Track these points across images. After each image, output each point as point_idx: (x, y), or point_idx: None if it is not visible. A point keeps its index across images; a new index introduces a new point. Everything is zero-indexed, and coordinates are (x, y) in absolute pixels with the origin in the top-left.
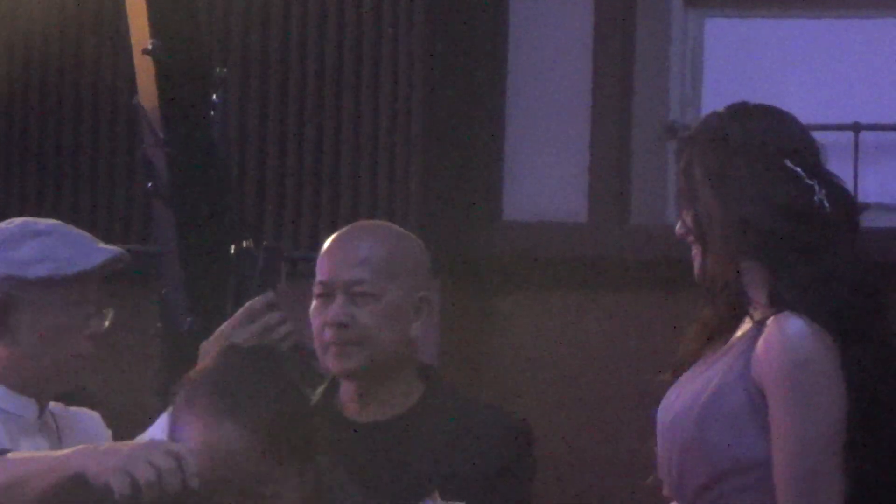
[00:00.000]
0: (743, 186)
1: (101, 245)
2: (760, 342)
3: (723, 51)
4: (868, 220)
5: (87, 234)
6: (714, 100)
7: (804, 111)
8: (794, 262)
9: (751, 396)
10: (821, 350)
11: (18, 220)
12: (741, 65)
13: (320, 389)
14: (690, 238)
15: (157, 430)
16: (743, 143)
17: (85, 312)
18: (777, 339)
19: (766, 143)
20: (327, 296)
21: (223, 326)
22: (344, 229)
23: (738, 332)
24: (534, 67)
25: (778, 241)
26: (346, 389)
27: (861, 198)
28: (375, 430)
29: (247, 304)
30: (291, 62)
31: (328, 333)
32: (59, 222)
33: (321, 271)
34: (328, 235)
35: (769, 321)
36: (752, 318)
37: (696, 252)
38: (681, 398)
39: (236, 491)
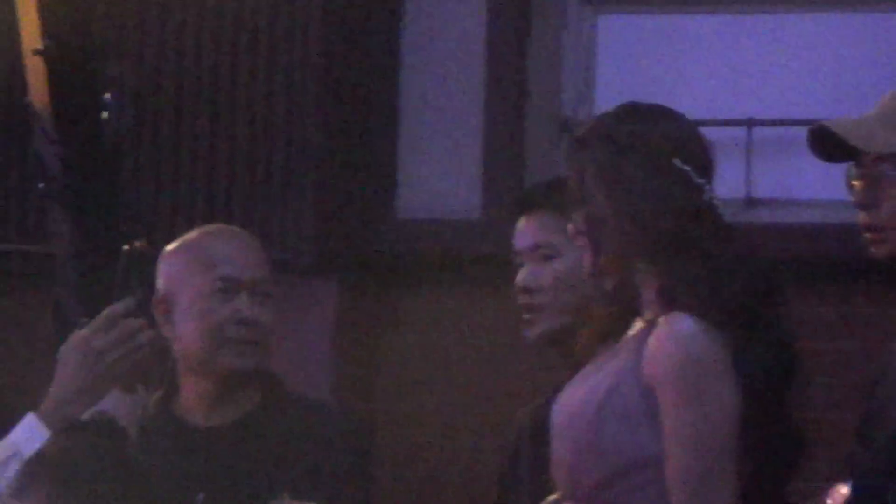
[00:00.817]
0: (634, 186)
1: None
2: (651, 341)
3: (617, 47)
4: (761, 216)
5: None
6: (608, 96)
7: (698, 107)
8: (684, 260)
9: (643, 395)
10: (711, 349)
11: None
12: (635, 61)
13: (155, 397)
14: (582, 239)
15: (21, 431)
16: (633, 142)
17: None
18: (667, 339)
19: (655, 143)
20: (229, 291)
21: (82, 332)
22: (218, 228)
23: (631, 332)
24: (427, 64)
25: (668, 239)
26: (196, 393)
27: (754, 194)
28: (220, 435)
29: (105, 311)
30: (187, 59)
31: (237, 330)
32: None
33: (223, 265)
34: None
35: (660, 320)
36: (643, 317)
37: (587, 253)
38: (575, 397)
39: None
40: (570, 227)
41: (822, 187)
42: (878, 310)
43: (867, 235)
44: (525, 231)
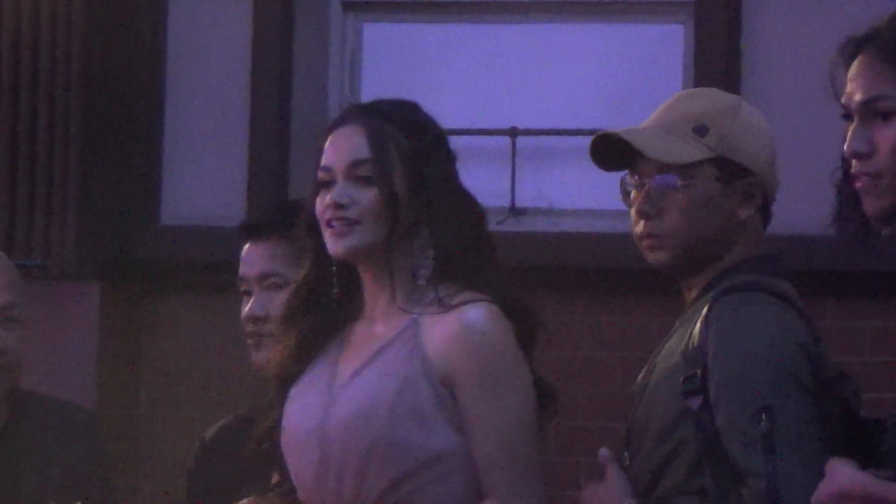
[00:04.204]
0: (433, 182)
1: None
2: (440, 335)
3: (381, 55)
4: (525, 225)
5: None
6: None
7: (463, 116)
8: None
9: (435, 391)
10: (509, 336)
11: None
12: (400, 69)
13: None
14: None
15: None
16: (433, 139)
17: None
18: (464, 331)
19: (447, 145)
20: None
21: None
22: None
23: (382, 329)
24: (192, 71)
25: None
26: None
27: (518, 202)
28: None
29: None
30: None
31: None
32: None
33: None
34: None
35: (451, 315)
36: (407, 312)
37: (380, 227)
38: (353, 400)
39: None
40: (368, 199)
41: (583, 197)
42: (635, 319)
43: (644, 243)
44: (252, 259)
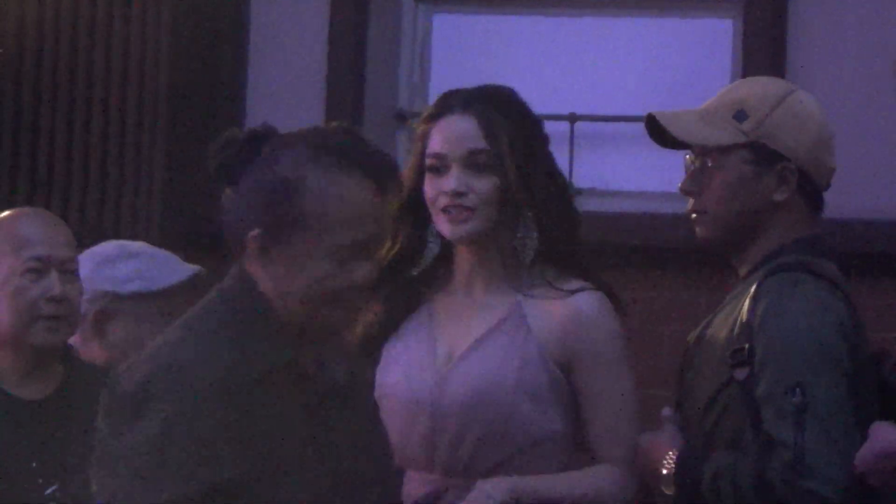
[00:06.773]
0: (540, 169)
1: (183, 264)
2: (556, 321)
3: (449, 44)
4: (582, 205)
5: (171, 255)
6: (441, 89)
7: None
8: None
9: (551, 374)
10: (618, 320)
11: (114, 243)
12: (466, 58)
13: None
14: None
15: None
16: (536, 127)
17: (170, 321)
18: (582, 318)
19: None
20: (40, 270)
21: None
22: (27, 211)
23: (485, 306)
24: (273, 60)
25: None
26: (14, 366)
27: (576, 183)
28: (36, 408)
29: None
30: (43, 58)
31: (47, 307)
32: (146, 244)
33: (35, 246)
34: (81, 228)
35: (565, 302)
36: (511, 292)
37: (485, 218)
38: (459, 378)
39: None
40: (484, 188)
41: (637, 179)
42: (683, 294)
43: (693, 218)
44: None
